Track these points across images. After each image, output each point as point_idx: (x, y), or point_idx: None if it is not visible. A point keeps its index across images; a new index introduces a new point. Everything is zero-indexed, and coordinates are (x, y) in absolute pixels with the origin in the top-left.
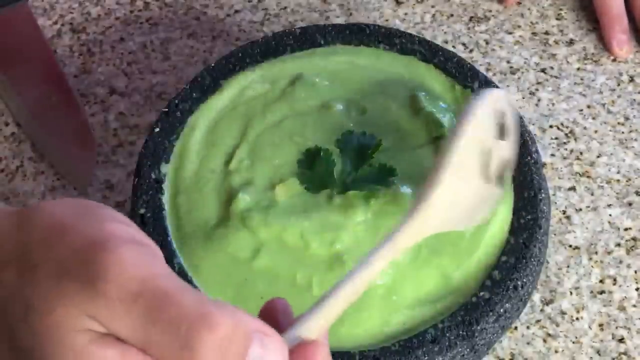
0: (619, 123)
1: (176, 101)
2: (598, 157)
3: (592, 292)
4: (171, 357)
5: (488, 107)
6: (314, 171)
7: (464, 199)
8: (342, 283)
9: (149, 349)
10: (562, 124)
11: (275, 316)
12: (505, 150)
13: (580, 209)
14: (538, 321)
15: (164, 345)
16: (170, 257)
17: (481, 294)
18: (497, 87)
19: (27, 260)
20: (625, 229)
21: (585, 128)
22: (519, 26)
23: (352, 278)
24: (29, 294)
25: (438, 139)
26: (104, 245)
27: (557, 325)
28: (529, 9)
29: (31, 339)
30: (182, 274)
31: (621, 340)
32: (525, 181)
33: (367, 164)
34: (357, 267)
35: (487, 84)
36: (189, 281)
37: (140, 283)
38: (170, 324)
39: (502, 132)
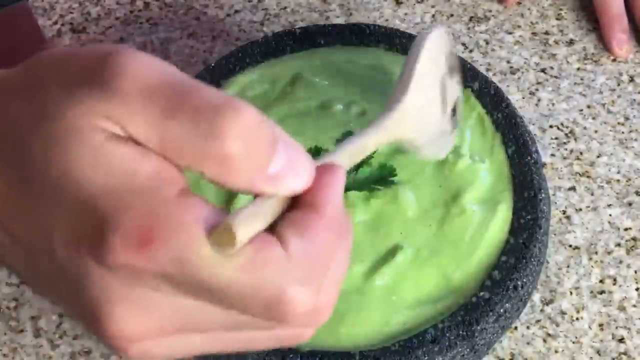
0: (619, 123)
1: None
2: (598, 157)
3: (592, 292)
4: (194, 150)
5: (439, 40)
6: None
7: (428, 117)
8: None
9: (168, 148)
10: (562, 124)
11: None
12: (455, 89)
13: (580, 209)
14: (538, 321)
15: (185, 138)
16: None
17: (481, 294)
18: (497, 86)
19: (35, 83)
20: (625, 229)
21: (585, 128)
22: (519, 26)
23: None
24: (40, 104)
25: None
26: (116, 50)
27: (557, 325)
28: (529, 9)
29: (44, 148)
30: None
31: (621, 340)
32: (525, 181)
33: (366, 164)
34: (347, 141)
35: (487, 84)
36: None
37: (158, 76)
38: (193, 112)
39: (451, 71)
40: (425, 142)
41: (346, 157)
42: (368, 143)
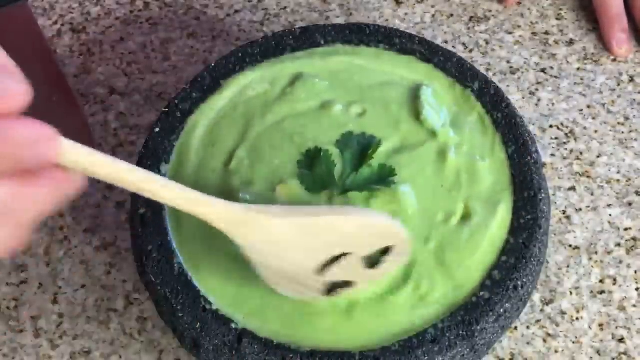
0: (619, 123)
1: (176, 101)
2: (598, 157)
3: (592, 292)
4: None
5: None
6: (314, 172)
7: (283, 254)
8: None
9: None
10: (562, 124)
11: None
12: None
13: (580, 209)
14: (538, 321)
15: None
16: (170, 257)
17: (481, 293)
18: (497, 86)
19: None
20: (625, 229)
21: (585, 128)
22: (519, 26)
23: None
24: None
25: (436, 138)
26: None
27: (557, 325)
28: (529, 9)
29: None
30: (182, 274)
31: (621, 340)
32: (525, 181)
33: (366, 164)
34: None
35: (487, 84)
36: (189, 281)
37: None
38: None
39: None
40: (265, 269)
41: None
42: (197, 207)
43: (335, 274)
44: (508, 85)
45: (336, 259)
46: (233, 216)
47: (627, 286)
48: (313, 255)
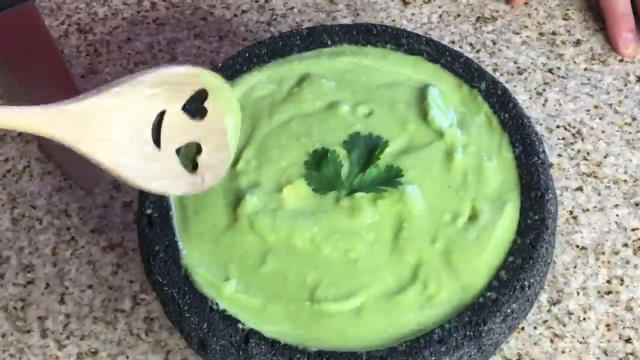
0: (626, 123)
1: None
2: (605, 157)
3: (599, 292)
4: None
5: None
6: (321, 172)
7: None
8: None
9: None
10: (569, 124)
11: None
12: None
13: (587, 210)
14: (545, 321)
15: None
16: (177, 258)
17: (488, 294)
18: (504, 87)
19: None
20: (633, 230)
21: (592, 128)
22: (526, 26)
23: None
24: None
25: (443, 139)
26: None
27: (564, 325)
28: (536, 9)
29: None
30: (187, 275)
31: (628, 340)
32: (532, 181)
33: (373, 165)
34: None
35: (494, 84)
36: (193, 282)
37: None
38: None
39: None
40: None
41: None
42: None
43: (171, 136)
44: (515, 86)
45: (159, 125)
46: (48, 119)
47: (634, 286)
48: (139, 123)
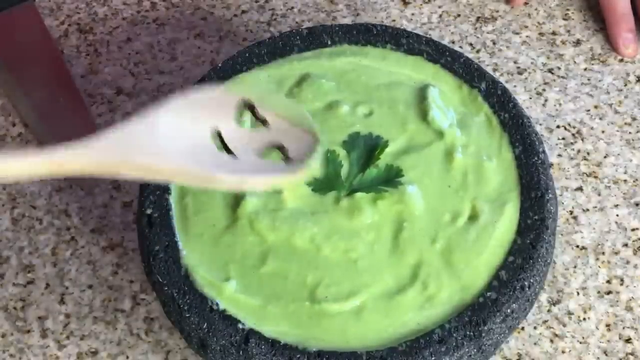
0: (626, 123)
1: None
2: (605, 157)
3: (599, 292)
4: None
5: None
6: (321, 172)
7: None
8: None
9: None
10: (569, 124)
11: None
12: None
13: (587, 210)
14: (545, 321)
15: None
16: (177, 258)
17: (488, 294)
18: (504, 87)
19: None
20: (633, 230)
21: (592, 128)
22: (526, 26)
23: None
24: None
25: (443, 139)
26: None
27: (564, 325)
28: (536, 9)
29: None
30: (187, 275)
31: (628, 340)
32: (532, 181)
33: (373, 165)
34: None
35: (494, 84)
36: (193, 282)
37: None
38: None
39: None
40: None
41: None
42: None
43: (241, 148)
44: (515, 86)
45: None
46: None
47: (634, 286)
48: (195, 139)
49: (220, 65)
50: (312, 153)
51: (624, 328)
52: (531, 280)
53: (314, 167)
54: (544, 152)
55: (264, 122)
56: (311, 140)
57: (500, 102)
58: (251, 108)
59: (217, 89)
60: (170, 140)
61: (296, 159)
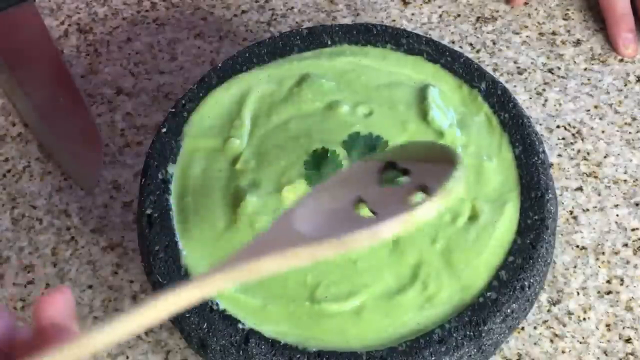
0: (626, 123)
1: (183, 101)
2: (605, 157)
3: (599, 292)
4: None
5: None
6: (321, 172)
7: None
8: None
9: None
10: (569, 124)
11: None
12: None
13: (587, 209)
14: (545, 321)
15: None
16: (177, 258)
17: (488, 294)
18: (504, 87)
19: None
20: (633, 229)
21: (592, 128)
22: (526, 26)
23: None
24: None
25: (443, 139)
26: None
27: (564, 325)
28: (536, 9)
29: None
30: (188, 275)
31: (628, 340)
32: (532, 181)
33: None
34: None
35: (494, 84)
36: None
37: None
38: None
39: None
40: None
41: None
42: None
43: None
44: (515, 86)
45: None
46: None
47: (634, 286)
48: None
49: (220, 65)
50: (453, 174)
51: (624, 328)
52: (531, 280)
53: (456, 187)
54: (544, 152)
55: (406, 172)
56: (452, 167)
57: (500, 102)
58: (393, 165)
59: (357, 163)
60: (309, 224)
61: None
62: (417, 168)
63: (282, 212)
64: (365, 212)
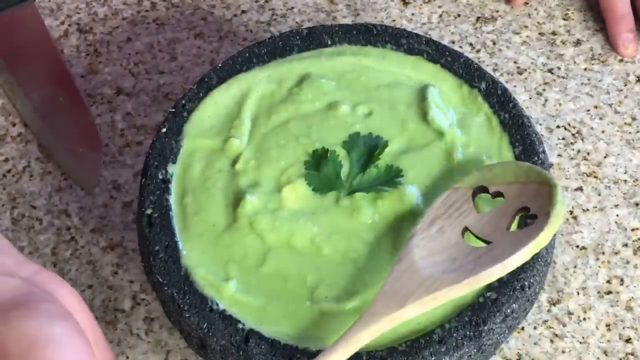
0: (626, 123)
1: (183, 101)
2: (605, 157)
3: (599, 292)
4: None
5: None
6: (321, 172)
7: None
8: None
9: None
10: (569, 124)
11: None
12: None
13: (587, 210)
14: (545, 321)
15: None
16: (177, 258)
17: (488, 294)
18: (504, 87)
19: None
20: (633, 230)
21: (592, 128)
22: (526, 26)
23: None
24: None
25: (443, 139)
26: (41, 343)
27: (564, 325)
28: (536, 9)
29: None
30: (187, 275)
31: (628, 340)
32: None
33: (373, 165)
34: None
35: (494, 84)
36: (193, 282)
37: None
38: None
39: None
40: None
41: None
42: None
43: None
44: (515, 86)
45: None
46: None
47: (634, 286)
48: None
49: (220, 65)
50: (554, 200)
51: (624, 328)
52: (531, 280)
53: (561, 213)
54: (544, 152)
55: (499, 194)
56: (546, 189)
57: (500, 102)
58: (484, 190)
59: (448, 192)
60: (429, 265)
61: (539, 211)
62: (508, 190)
63: (399, 259)
64: (474, 240)
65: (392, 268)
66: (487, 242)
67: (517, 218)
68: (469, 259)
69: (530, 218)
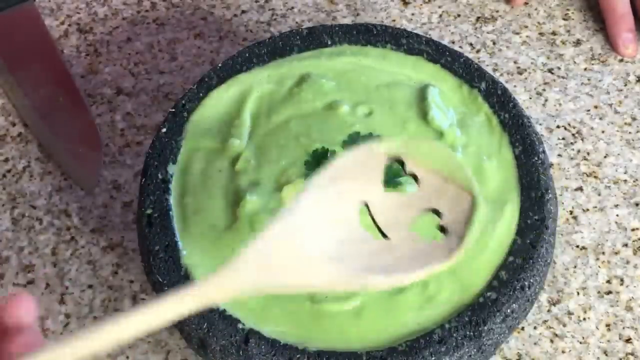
0: (626, 123)
1: (183, 101)
2: (605, 157)
3: (599, 292)
4: None
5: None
6: None
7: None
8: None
9: None
10: (569, 124)
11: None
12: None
13: (587, 210)
14: (545, 321)
15: None
16: (177, 258)
17: (488, 294)
18: (504, 87)
19: None
20: (633, 230)
21: (592, 128)
22: (526, 26)
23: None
24: None
25: (443, 139)
26: None
27: (564, 325)
28: (536, 9)
29: None
30: (188, 275)
31: (628, 340)
32: (532, 182)
33: None
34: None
35: (494, 84)
36: (193, 281)
37: None
38: None
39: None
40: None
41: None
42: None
43: (393, 220)
44: (515, 86)
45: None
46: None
47: (634, 286)
48: (340, 229)
49: (220, 65)
50: (471, 220)
51: (624, 328)
52: (531, 280)
53: (474, 239)
54: (544, 152)
55: (414, 177)
56: (467, 200)
57: (500, 102)
58: (400, 163)
59: (362, 149)
60: (315, 238)
61: (451, 226)
62: (427, 180)
63: (280, 214)
64: (369, 226)
65: (275, 222)
66: (384, 235)
67: (422, 218)
68: (361, 252)
69: (441, 229)
